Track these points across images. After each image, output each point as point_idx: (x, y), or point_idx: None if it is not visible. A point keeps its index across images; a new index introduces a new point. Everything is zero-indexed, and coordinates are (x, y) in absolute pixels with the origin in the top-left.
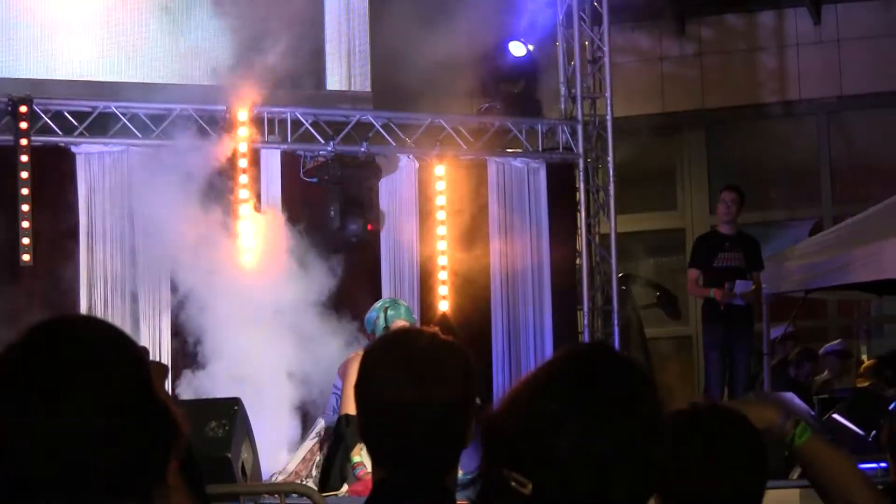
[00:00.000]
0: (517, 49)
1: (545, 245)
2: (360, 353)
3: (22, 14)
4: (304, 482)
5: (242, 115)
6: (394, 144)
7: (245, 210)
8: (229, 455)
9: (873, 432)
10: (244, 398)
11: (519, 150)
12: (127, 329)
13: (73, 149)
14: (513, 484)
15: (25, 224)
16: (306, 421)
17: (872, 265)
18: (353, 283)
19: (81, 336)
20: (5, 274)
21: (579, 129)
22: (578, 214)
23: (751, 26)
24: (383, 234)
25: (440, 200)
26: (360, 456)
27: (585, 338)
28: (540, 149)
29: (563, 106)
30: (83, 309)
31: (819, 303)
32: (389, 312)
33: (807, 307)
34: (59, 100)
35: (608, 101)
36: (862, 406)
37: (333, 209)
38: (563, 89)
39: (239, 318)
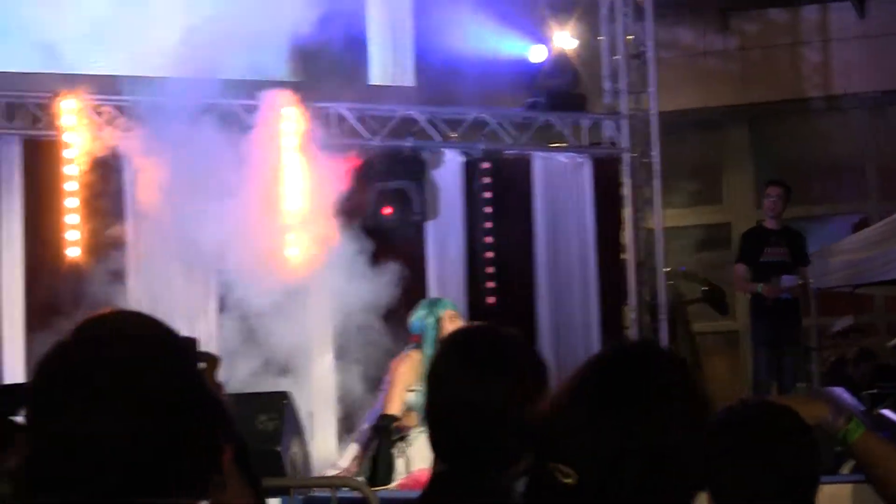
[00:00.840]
0: (538, 54)
1: (591, 240)
2: (411, 354)
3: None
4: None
5: (288, 110)
6: (439, 139)
7: (292, 202)
8: (279, 449)
9: None
10: (293, 392)
11: (564, 145)
12: (175, 322)
13: (119, 141)
14: (558, 476)
15: (73, 219)
16: (354, 416)
17: None
18: (400, 277)
19: (129, 332)
20: (54, 268)
21: (624, 123)
22: (624, 210)
23: (794, 20)
24: (429, 230)
25: (485, 195)
26: (403, 455)
27: (633, 333)
28: (585, 144)
29: (607, 101)
30: (130, 303)
31: (866, 298)
32: (436, 307)
33: (855, 302)
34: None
35: (652, 96)
36: None
37: (378, 204)
38: (607, 84)
39: (285, 311)
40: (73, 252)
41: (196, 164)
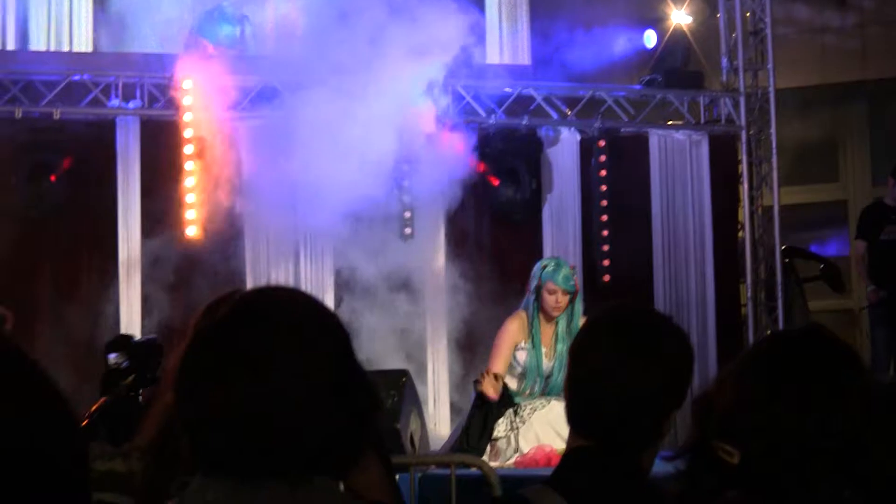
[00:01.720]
0: (652, 38)
1: (707, 218)
2: (519, 315)
3: None
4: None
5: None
6: (555, 117)
7: (407, 179)
8: (398, 426)
9: None
10: (409, 369)
11: (680, 123)
12: None
13: (233, 120)
14: (721, 454)
15: (191, 198)
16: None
17: None
18: (516, 255)
19: (290, 308)
20: (174, 244)
21: (741, 100)
22: (741, 187)
23: None
24: (545, 208)
25: (601, 173)
26: (515, 431)
27: (749, 311)
28: (702, 121)
29: (724, 78)
30: (248, 280)
31: None
32: (546, 270)
33: None
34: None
35: (770, 73)
36: None
37: (492, 181)
38: (724, 61)
39: (400, 285)
40: (191, 230)
41: (314, 141)
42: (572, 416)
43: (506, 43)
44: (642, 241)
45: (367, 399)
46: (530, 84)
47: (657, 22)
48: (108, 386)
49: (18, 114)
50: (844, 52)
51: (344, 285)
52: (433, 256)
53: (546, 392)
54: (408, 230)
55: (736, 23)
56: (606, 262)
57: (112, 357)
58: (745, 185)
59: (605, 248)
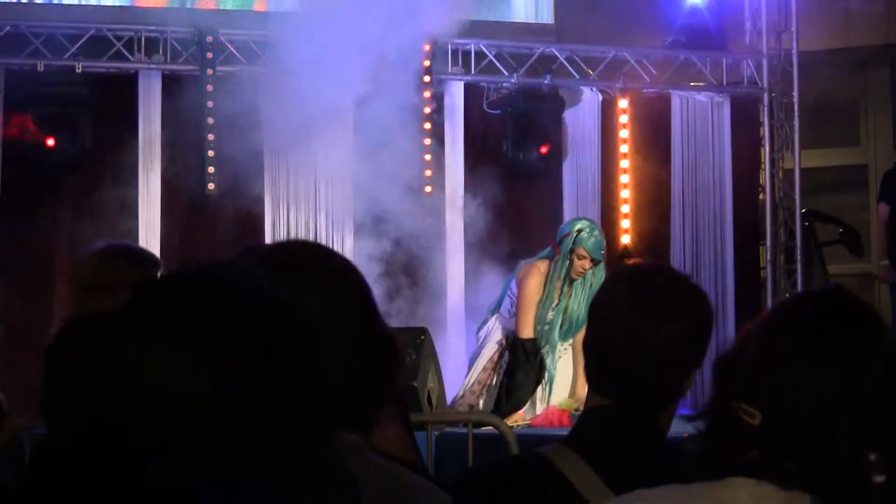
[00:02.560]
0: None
1: (728, 180)
2: (538, 265)
3: None
4: (487, 393)
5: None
6: (577, 77)
7: (428, 139)
8: (416, 384)
9: None
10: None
11: (703, 84)
12: None
13: (258, 77)
14: (742, 415)
15: (210, 153)
16: None
17: None
18: (536, 214)
19: (312, 262)
20: (195, 200)
21: (764, 62)
22: (762, 149)
23: None
24: (566, 167)
25: (623, 134)
26: (546, 387)
27: (768, 275)
28: (724, 83)
29: (748, 40)
30: (268, 234)
31: None
32: (581, 236)
33: None
34: (243, 31)
35: (794, 35)
36: None
37: (513, 140)
38: (748, 23)
39: (419, 246)
40: (210, 187)
41: (332, 99)
42: (591, 375)
43: (529, 1)
44: (662, 204)
45: (390, 355)
46: (552, 44)
47: None
48: None
49: (41, 66)
50: (869, 15)
51: (363, 236)
52: (452, 207)
53: (548, 341)
54: (428, 188)
55: None
56: (626, 224)
57: None
58: (767, 148)
59: (625, 209)
